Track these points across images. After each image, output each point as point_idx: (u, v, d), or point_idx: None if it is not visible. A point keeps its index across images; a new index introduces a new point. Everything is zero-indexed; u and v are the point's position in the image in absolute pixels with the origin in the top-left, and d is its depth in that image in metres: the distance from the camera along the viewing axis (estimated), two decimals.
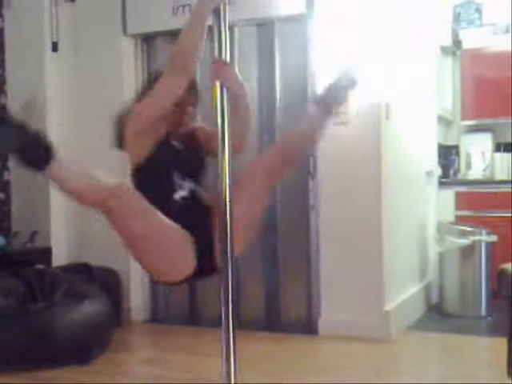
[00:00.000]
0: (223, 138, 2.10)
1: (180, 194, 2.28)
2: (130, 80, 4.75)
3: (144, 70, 4.81)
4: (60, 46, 4.68)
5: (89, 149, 4.75)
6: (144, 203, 2.16)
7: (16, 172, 4.79)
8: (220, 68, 2.11)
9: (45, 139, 2.05)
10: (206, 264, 2.23)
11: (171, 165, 2.32)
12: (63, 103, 4.79)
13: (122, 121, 2.37)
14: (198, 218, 2.24)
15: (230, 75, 2.15)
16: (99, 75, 4.74)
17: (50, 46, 4.65)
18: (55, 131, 4.74)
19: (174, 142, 2.39)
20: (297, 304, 4.35)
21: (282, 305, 4.41)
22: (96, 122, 4.73)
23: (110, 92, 4.71)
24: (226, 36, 2.12)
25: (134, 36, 4.75)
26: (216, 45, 2.14)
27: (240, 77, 2.26)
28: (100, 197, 2.10)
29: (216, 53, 2.14)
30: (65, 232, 4.79)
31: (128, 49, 4.76)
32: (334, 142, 4.12)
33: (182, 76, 2.20)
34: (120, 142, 2.40)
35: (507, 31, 5.49)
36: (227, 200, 2.11)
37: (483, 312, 4.73)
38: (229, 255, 2.16)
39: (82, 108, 4.80)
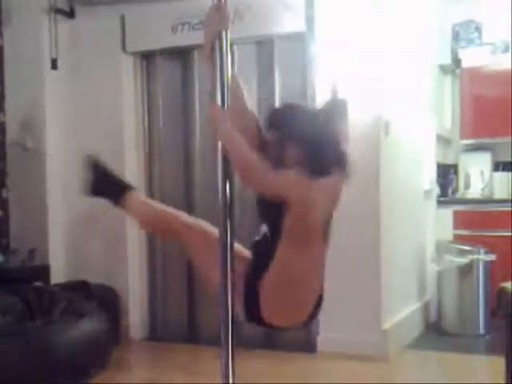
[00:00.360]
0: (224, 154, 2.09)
1: (256, 238, 2.25)
2: (130, 98, 4.77)
3: (144, 88, 4.84)
4: (59, 64, 4.69)
5: None
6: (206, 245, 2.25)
7: (14, 189, 4.80)
8: (216, 116, 2.12)
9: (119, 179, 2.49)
10: (252, 314, 2.21)
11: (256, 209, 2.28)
12: (62, 121, 4.80)
13: None
14: None
15: (223, 126, 2.11)
16: (98, 92, 4.75)
17: (49, 63, 4.67)
18: (54, 149, 4.77)
19: None
20: None
21: None
22: (96, 139, 4.77)
23: (110, 109, 4.74)
24: (227, 57, 2.14)
25: (134, 54, 4.77)
26: (217, 64, 2.15)
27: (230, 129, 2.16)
28: (178, 228, 2.28)
29: (217, 74, 2.15)
30: (63, 249, 4.79)
31: (127, 66, 4.78)
32: None
33: None
34: None
35: (506, 50, 5.53)
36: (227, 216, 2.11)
37: (481, 330, 4.72)
38: (228, 271, 2.15)
39: (82, 126, 4.81)
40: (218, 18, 2.13)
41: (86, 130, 4.79)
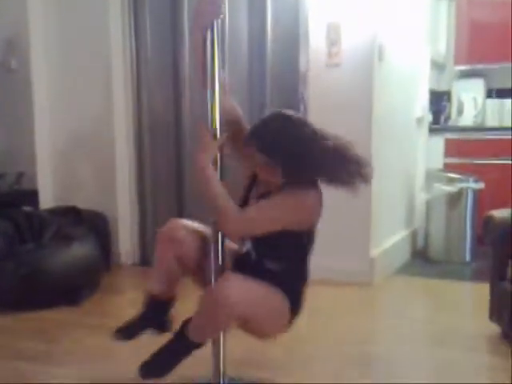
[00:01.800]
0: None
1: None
2: (116, 16, 4.59)
3: (131, 12, 4.65)
4: None
5: (75, 88, 4.69)
6: None
7: (0, 111, 4.73)
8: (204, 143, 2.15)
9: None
10: None
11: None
12: (48, 40, 4.66)
13: None
14: None
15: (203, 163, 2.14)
16: (84, 11, 4.58)
17: None
18: (40, 71, 4.66)
19: None
20: None
21: None
22: (81, 60, 4.66)
23: (96, 29, 4.57)
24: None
25: None
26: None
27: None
28: None
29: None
30: (51, 174, 4.76)
31: None
32: (325, 82, 4.08)
33: None
34: None
35: None
36: None
37: (467, 258, 4.79)
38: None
39: (68, 48, 4.68)
40: (210, 11, 2.09)
41: (72, 50, 4.66)
